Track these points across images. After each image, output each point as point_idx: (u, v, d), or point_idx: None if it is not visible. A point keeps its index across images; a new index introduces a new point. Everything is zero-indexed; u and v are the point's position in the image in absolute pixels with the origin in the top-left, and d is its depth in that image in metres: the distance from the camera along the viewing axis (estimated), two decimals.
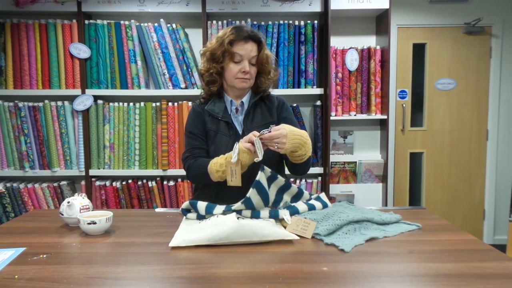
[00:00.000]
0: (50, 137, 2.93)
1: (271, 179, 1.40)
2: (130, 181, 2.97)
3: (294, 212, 1.38)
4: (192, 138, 1.64)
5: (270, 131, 1.40)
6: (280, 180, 1.42)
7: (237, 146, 1.41)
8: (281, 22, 2.94)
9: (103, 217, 1.29)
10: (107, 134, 2.95)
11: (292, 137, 1.40)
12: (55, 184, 2.96)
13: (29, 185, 2.93)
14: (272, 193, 1.40)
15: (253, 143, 1.39)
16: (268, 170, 1.38)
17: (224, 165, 1.46)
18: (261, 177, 1.35)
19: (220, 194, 1.58)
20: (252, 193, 1.33)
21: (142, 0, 2.90)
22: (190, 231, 1.24)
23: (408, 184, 3.52)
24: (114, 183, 2.95)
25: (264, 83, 1.66)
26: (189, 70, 2.93)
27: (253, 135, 1.41)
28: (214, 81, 1.62)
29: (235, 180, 1.43)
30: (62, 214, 1.38)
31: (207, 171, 1.52)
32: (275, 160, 1.61)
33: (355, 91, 3.11)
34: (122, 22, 2.90)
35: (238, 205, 1.34)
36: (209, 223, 1.26)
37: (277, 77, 1.73)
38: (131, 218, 1.50)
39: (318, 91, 3.00)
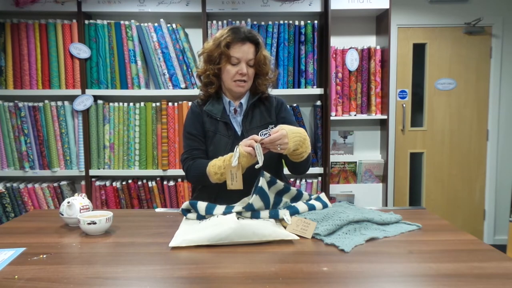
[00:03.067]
0: (50, 137, 2.93)
1: (270, 184, 1.39)
2: (130, 181, 2.97)
3: (294, 212, 1.37)
4: (191, 139, 1.63)
5: (270, 135, 1.39)
6: (279, 184, 1.41)
7: (237, 150, 1.40)
8: (281, 22, 2.94)
9: (103, 217, 1.29)
10: (107, 134, 2.95)
11: (292, 135, 1.40)
12: (55, 184, 2.96)
13: (29, 185, 2.93)
14: (271, 196, 1.40)
15: (253, 147, 1.39)
16: (267, 175, 1.38)
17: (222, 168, 1.46)
18: (263, 183, 1.35)
19: (220, 194, 1.58)
20: (255, 200, 1.33)
21: (142, 0, 2.90)
22: (190, 231, 1.24)
23: (408, 184, 3.52)
24: (114, 183, 2.95)
25: (262, 85, 1.64)
26: (189, 70, 2.93)
27: (254, 140, 1.40)
28: (211, 82, 1.62)
29: (235, 184, 1.42)
30: (62, 214, 1.38)
31: (205, 173, 1.52)
32: (274, 160, 1.60)
33: (355, 91, 3.11)
34: (122, 22, 2.90)
35: (238, 209, 1.34)
36: (209, 223, 1.26)
37: (275, 78, 1.72)
38: (131, 218, 1.50)
39: (318, 91, 3.00)
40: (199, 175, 1.55)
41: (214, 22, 2.93)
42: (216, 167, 1.48)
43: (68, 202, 1.38)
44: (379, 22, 3.17)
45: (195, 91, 2.92)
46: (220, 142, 1.59)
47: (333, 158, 3.19)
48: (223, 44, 1.54)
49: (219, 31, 1.60)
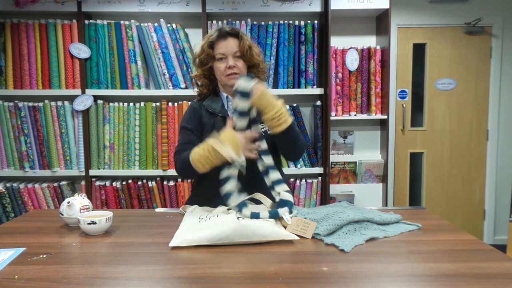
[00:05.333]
0: (50, 137, 2.93)
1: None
2: (130, 181, 2.97)
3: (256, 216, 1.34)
4: (185, 133, 1.64)
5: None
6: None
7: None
8: (281, 22, 2.94)
9: (103, 217, 1.29)
10: (107, 134, 2.95)
11: (268, 94, 1.41)
12: (55, 184, 2.96)
13: (29, 185, 2.93)
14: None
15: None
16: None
17: (206, 152, 1.42)
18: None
19: (217, 191, 1.59)
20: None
21: (142, 0, 2.90)
22: (190, 231, 1.24)
23: (408, 184, 3.52)
24: (114, 183, 2.95)
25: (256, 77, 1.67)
26: (189, 70, 2.93)
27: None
28: (203, 84, 1.68)
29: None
30: (62, 214, 1.38)
31: (190, 163, 1.47)
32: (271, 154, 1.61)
33: (355, 91, 3.11)
34: (122, 22, 2.90)
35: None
36: (209, 223, 1.25)
37: (268, 68, 1.76)
38: (131, 218, 1.50)
39: (318, 91, 3.00)
40: (186, 167, 1.50)
41: (214, 22, 2.93)
42: (197, 154, 1.44)
43: (68, 202, 1.38)
44: (379, 22, 3.17)
45: (195, 91, 2.91)
46: None
47: (333, 158, 3.19)
48: (206, 45, 1.60)
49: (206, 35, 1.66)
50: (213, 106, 1.64)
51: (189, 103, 2.91)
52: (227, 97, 1.66)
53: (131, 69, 2.92)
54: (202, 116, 1.65)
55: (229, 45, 1.58)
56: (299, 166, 3.04)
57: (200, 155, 1.42)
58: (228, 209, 1.36)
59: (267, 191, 1.54)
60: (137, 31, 2.90)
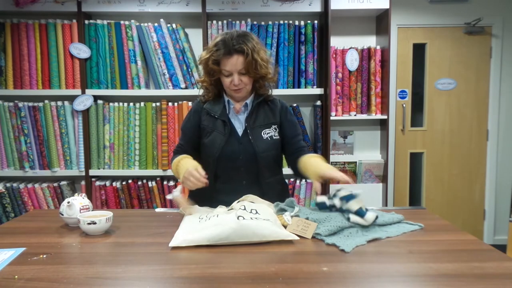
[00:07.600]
0: (50, 137, 2.93)
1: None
2: (130, 181, 2.97)
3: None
4: (182, 135, 1.74)
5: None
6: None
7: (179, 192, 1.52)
8: (281, 22, 2.94)
9: (103, 217, 1.29)
10: (107, 134, 2.95)
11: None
12: (55, 184, 2.96)
13: (29, 185, 2.93)
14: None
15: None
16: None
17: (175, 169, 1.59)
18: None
19: (217, 188, 1.63)
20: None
21: (142, 0, 2.90)
22: (190, 231, 1.24)
23: (408, 184, 3.52)
24: (114, 183, 2.95)
25: (261, 87, 1.67)
26: (189, 70, 2.93)
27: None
28: (209, 89, 1.68)
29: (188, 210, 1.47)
30: (62, 214, 1.38)
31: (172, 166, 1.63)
32: (272, 160, 1.65)
33: (355, 91, 3.11)
34: (122, 22, 2.90)
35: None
36: (209, 223, 1.25)
37: (276, 77, 1.76)
38: (131, 218, 1.50)
39: (318, 91, 3.00)
40: (174, 170, 1.65)
41: (214, 22, 2.93)
42: (173, 167, 1.61)
43: (68, 202, 1.38)
44: (379, 22, 3.17)
45: (195, 91, 2.91)
46: (216, 139, 1.63)
47: (333, 158, 3.18)
48: (211, 62, 1.57)
49: (213, 39, 1.62)
50: (214, 110, 1.66)
51: (189, 103, 2.93)
52: (228, 101, 1.67)
53: (131, 69, 2.92)
54: (201, 119, 1.67)
55: (234, 63, 1.55)
56: None
57: (174, 169, 1.60)
58: (229, 210, 1.36)
59: (264, 192, 1.57)
60: (137, 31, 2.90)
